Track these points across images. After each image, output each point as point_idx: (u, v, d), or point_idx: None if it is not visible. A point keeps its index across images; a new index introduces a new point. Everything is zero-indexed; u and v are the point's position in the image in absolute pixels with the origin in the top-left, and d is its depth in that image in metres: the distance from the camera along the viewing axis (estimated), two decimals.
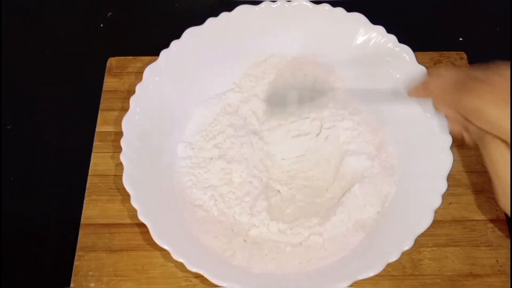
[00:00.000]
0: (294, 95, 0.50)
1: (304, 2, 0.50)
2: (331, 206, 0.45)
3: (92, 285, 0.44)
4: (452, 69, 0.41)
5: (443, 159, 0.43)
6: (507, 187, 0.36)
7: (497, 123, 0.35)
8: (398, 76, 0.48)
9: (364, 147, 0.47)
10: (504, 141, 0.36)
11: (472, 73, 0.38)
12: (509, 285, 0.43)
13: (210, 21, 0.50)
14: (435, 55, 0.54)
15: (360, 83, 0.50)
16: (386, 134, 0.48)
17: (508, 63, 0.37)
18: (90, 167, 0.49)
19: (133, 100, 0.46)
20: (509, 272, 0.44)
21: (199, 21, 0.50)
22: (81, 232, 0.46)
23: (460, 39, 0.58)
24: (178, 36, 0.49)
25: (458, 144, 0.42)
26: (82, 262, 0.45)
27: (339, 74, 0.51)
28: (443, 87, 0.39)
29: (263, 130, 0.49)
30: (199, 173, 0.47)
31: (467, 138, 0.41)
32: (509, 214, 0.37)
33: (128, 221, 0.46)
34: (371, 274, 0.39)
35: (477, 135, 0.38)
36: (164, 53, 0.48)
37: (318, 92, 0.50)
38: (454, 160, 0.43)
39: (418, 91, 0.43)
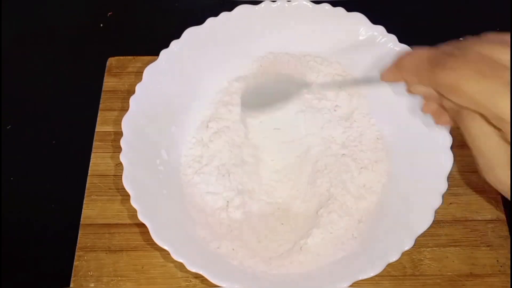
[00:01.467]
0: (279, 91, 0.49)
1: (304, 2, 0.50)
2: (329, 204, 0.45)
3: (92, 285, 0.44)
4: (424, 47, 0.38)
5: (443, 159, 0.43)
6: (489, 160, 0.35)
7: (474, 97, 0.33)
8: None
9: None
10: (480, 114, 0.34)
11: (446, 49, 0.36)
12: (509, 285, 0.43)
13: (210, 21, 0.50)
14: None
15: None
16: (386, 134, 0.48)
17: (479, 38, 0.36)
18: (89, 167, 0.49)
19: (133, 100, 0.46)
20: (509, 272, 0.44)
21: (199, 21, 0.50)
22: (80, 232, 0.46)
23: (460, 39, 0.57)
24: (178, 36, 0.49)
25: (458, 144, 0.41)
26: (82, 262, 0.45)
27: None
28: (417, 64, 0.37)
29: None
30: (197, 172, 0.47)
31: (445, 118, 0.39)
32: (496, 187, 0.36)
33: (128, 221, 0.46)
34: (371, 274, 0.39)
35: (453, 111, 0.37)
36: (164, 53, 0.48)
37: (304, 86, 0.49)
38: (454, 160, 0.43)
39: (391, 73, 0.40)
